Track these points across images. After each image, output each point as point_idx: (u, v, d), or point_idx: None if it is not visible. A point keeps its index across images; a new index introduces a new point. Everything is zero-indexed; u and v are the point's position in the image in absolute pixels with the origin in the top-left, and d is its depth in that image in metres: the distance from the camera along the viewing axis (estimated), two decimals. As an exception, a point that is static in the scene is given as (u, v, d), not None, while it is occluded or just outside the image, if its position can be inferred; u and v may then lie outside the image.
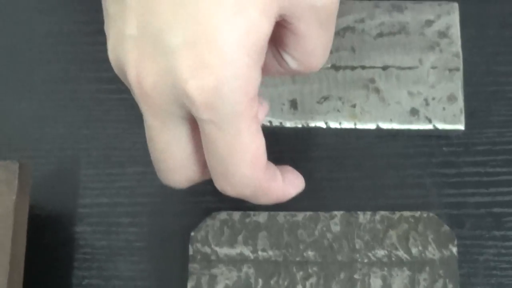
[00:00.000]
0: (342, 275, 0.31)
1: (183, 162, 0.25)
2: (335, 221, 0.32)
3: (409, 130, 0.33)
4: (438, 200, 0.33)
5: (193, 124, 0.24)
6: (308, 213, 0.32)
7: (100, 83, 0.36)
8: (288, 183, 0.27)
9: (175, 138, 0.24)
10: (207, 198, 0.33)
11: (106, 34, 0.24)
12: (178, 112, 0.23)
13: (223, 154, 0.23)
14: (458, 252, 0.31)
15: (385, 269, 0.31)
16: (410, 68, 0.33)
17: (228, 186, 0.25)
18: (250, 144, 0.23)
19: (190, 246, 0.32)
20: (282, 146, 0.34)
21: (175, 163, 0.25)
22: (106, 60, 0.24)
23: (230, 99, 0.22)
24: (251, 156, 0.24)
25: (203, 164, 0.25)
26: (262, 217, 0.32)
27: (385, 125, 0.33)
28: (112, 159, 0.35)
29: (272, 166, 0.26)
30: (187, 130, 0.24)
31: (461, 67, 0.33)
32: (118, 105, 0.35)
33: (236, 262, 0.31)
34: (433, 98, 0.33)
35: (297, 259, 0.31)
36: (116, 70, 0.24)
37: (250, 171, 0.24)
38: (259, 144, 0.24)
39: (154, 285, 0.33)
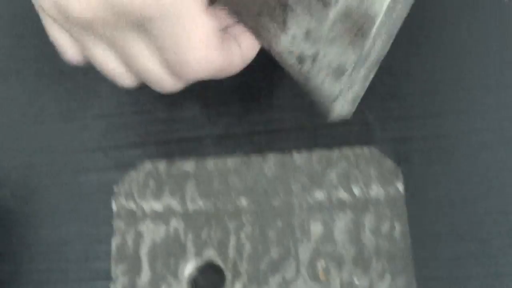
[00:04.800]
0: (279, 222, 0.28)
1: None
2: (269, 164, 0.29)
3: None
4: (382, 135, 0.30)
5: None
6: (239, 158, 0.29)
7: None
8: (246, 48, 0.25)
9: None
10: (132, 151, 0.30)
11: None
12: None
13: (171, 45, 0.23)
14: (407, 190, 0.28)
15: (326, 212, 0.28)
16: None
17: (188, 73, 0.24)
18: (196, 29, 0.23)
19: (113, 202, 0.29)
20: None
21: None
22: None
23: None
24: (199, 40, 0.23)
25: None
26: (189, 165, 0.29)
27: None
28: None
29: (227, 39, 0.25)
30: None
31: None
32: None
33: (163, 216, 0.28)
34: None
35: (229, 208, 0.28)
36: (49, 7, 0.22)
37: (203, 53, 0.23)
38: (207, 27, 0.23)
39: (79, 249, 0.30)
